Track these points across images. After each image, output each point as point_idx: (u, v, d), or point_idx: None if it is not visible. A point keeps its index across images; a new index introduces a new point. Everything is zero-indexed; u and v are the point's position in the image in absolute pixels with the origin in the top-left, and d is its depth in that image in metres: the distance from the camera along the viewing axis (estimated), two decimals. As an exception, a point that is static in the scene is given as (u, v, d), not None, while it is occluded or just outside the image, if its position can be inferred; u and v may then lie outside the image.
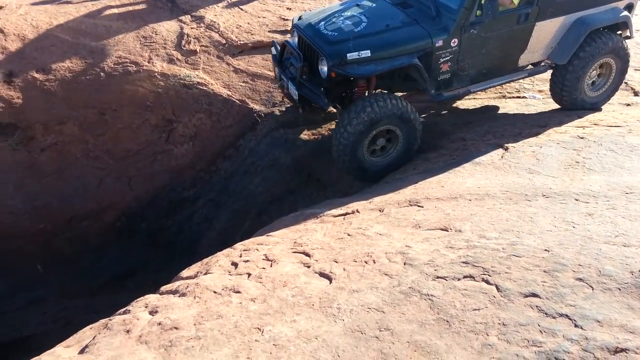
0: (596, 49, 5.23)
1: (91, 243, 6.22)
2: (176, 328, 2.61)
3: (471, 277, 2.63)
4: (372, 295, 2.63)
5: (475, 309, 2.41)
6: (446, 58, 4.94)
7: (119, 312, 3.07)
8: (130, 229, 6.34)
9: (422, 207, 3.49)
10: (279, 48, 5.48)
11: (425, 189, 3.78)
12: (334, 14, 5.27)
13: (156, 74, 6.14)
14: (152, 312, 2.85)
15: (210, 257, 3.80)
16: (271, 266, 3.22)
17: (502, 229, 3.03)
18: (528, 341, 2.16)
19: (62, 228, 6.06)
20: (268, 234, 3.93)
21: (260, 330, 2.54)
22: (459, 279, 2.63)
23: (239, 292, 2.95)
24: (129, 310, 2.99)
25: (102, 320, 2.96)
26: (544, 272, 2.56)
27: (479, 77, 5.24)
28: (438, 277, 2.65)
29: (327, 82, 4.80)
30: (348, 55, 4.66)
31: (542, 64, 5.53)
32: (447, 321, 2.37)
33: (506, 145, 4.58)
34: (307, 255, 3.26)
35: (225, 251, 3.77)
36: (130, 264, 6.34)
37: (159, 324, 2.66)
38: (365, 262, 2.94)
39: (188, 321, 2.67)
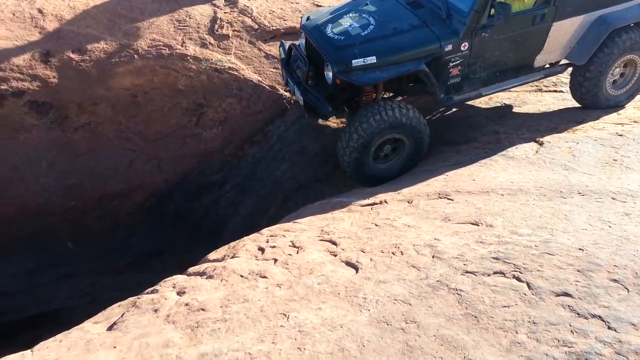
0: (617, 48, 4.95)
1: (120, 222, 6.33)
2: (203, 309, 2.64)
3: (501, 273, 2.58)
4: (399, 287, 2.60)
5: (505, 306, 2.37)
6: (456, 62, 4.74)
7: (147, 291, 3.12)
8: (158, 209, 6.42)
9: (452, 200, 3.43)
10: (286, 50, 5.34)
11: (455, 181, 3.72)
12: (343, 15, 5.09)
13: (189, 57, 6.16)
14: (180, 293, 2.89)
15: (237, 242, 3.82)
16: (297, 253, 3.22)
17: (535, 226, 2.96)
18: (558, 341, 2.11)
19: (92, 206, 6.18)
20: (295, 221, 3.93)
21: (285, 315, 2.54)
22: (488, 275, 2.58)
23: (265, 277, 2.96)
24: (157, 289, 3.04)
25: (131, 299, 3.01)
26: (578, 271, 2.49)
27: (491, 79, 5.02)
28: (467, 272, 2.61)
29: (332, 87, 4.69)
30: (353, 61, 4.50)
31: (560, 63, 5.30)
32: (475, 317, 2.33)
33: (541, 140, 4.46)
34: (334, 243, 3.25)
35: (252, 236, 3.79)
36: (157, 244, 6.44)
37: (186, 304, 2.69)
38: (393, 254, 2.91)
39: (215, 303, 2.69)
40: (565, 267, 2.52)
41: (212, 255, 3.60)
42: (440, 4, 4.74)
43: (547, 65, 5.27)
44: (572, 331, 2.14)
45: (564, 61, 5.31)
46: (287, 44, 5.44)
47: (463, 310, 2.38)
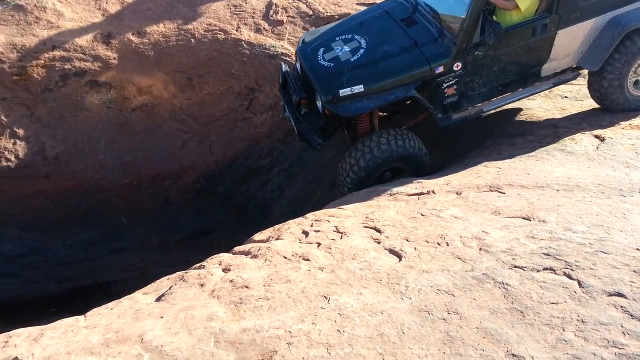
0: (634, 50, 4.56)
1: (171, 201, 6.54)
2: (247, 287, 2.69)
3: (552, 269, 2.49)
4: (442, 278, 2.56)
5: (553, 303, 2.29)
6: (450, 82, 4.49)
7: (194, 266, 3.21)
8: (208, 190, 6.59)
9: (504, 193, 3.33)
10: (282, 75, 5.15)
11: (508, 175, 3.61)
12: (335, 37, 4.89)
13: (243, 42, 6.25)
14: (225, 270, 2.96)
15: (282, 224, 3.87)
16: (341, 238, 3.23)
17: (590, 223, 2.83)
18: (608, 341, 2.02)
19: (146, 184, 6.41)
20: (340, 207, 3.94)
21: (326, 298, 2.56)
22: (538, 271, 2.50)
23: (308, 259, 2.98)
24: (204, 266, 3.12)
25: (179, 273, 3.11)
26: (633, 272, 2.37)
27: (492, 94, 4.74)
28: (515, 267, 2.54)
29: (324, 118, 4.55)
30: (341, 91, 4.32)
31: (572, 70, 4.93)
32: (521, 312, 2.26)
33: (602, 135, 4.26)
34: (378, 231, 3.23)
35: (297, 220, 3.83)
36: (205, 224, 6.62)
37: (231, 281, 2.76)
38: (438, 244, 2.86)
39: (258, 282, 2.74)
40: (621, 267, 2.40)
41: (257, 236, 3.66)
42: (433, 21, 4.50)
43: (558, 72, 4.90)
44: (623, 333, 2.04)
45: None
46: (285, 66, 5.29)
47: (509, 304, 2.32)
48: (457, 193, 3.49)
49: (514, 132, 5.01)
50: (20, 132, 5.90)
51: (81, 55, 6.03)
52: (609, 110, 4.93)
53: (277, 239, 3.42)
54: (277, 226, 3.82)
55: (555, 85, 4.93)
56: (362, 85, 4.34)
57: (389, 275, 2.67)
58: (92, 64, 6.03)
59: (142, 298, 2.82)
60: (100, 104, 6.08)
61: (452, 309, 2.33)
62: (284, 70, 5.15)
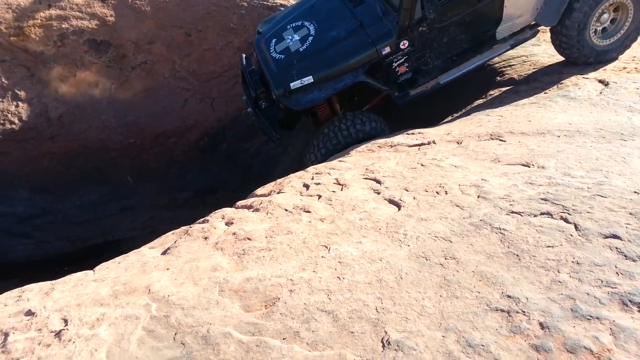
0: (590, 1, 4.34)
1: (176, 160, 6.59)
2: (249, 239, 2.75)
3: (549, 214, 2.51)
4: (440, 225, 2.60)
5: (549, 246, 2.32)
6: (400, 61, 4.39)
7: (198, 221, 3.28)
8: (212, 148, 6.63)
9: (505, 141, 3.32)
10: (241, 72, 5.06)
11: (510, 122, 3.59)
12: (287, 25, 4.77)
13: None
14: (228, 223, 3.02)
15: (283, 178, 3.91)
16: (341, 190, 3.26)
17: (589, 168, 2.84)
18: (602, 281, 2.07)
19: (150, 144, 6.45)
20: (340, 160, 3.96)
21: (326, 247, 2.62)
22: (535, 216, 2.52)
23: (309, 211, 3.03)
24: (207, 220, 3.19)
25: (183, 227, 3.18)
26: (630, 214, 2.39)
27: (448, 65, 4.61)
28: (512, 212, 2.56)
29: (281, 111, 4.51)
30: (291, 84, 4.29)
31: (530, 28, 4.75)
32: (517, 255, 2.31)
33: (607, 80, 4.19)
34: (378, 182, 3.26)
35: (298, 173, 3.86)
36: (210, 182, 6.69)
37: (234, 234, 2.82)
38: (437, 193, 2.89)
39: (260, 234, 2.80)
40: (617, 210, 2.42)
41: (259, 191, 3.71)
42: (377, 0, 4.34)
43: (516, 32, 4.72)
44: (617, 273, 2.08)
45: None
46: (244, 60, 5.17)
47: (505, 249, 2.36)
48: (457, 142, 3.49)
49: (517, 79, 4.94)
50: (22, 94, 5.91)
51: (78, 13, 5.95)
52: (577, 63, 4.78)
53: (278, 193, 3.46)
54: (278, 180, 3.86)
55: (513, 46, 4.76)
56: (311, 77, 4.31)
57: (388, 224, 2.71)
58: (90, 22, 5.95)
59: (148, 252, 2.90)
60: (99, 63, 6.04)
61: (449, 254, 2.38)
62: (243, 64, 5.06)
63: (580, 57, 4.66)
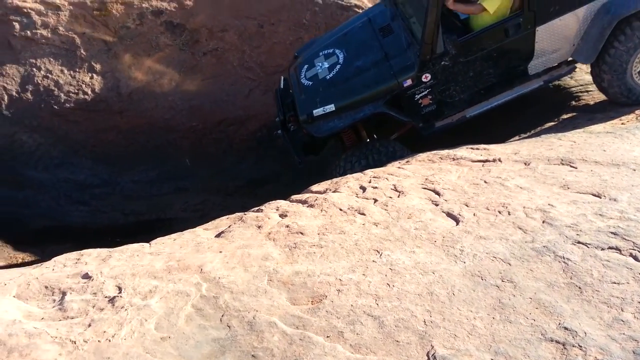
0: (635, 38, 4.04)
1: (234, 147, 6.71)
2: (301, 233, 2.75)
3: (617, 249, 2.38)
4: (500, 246, 2.51)
5: (614, 282, 2.20)
6: (423, 93, 4.30)
7: (252, 209, 3.32)
8: (269, 141, 6.70)
9: (576, 168, 3.18)
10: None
11: (583, 149, 3.43)
12: (320, 51, 4.81)
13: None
14: (282, 215, 3.04)
15: (340, 178, 3.90)
16: (398, 197, 3.21)
17: (667, 207, 2.67)
18: (672, 329, 1.93)
19: (211, 129, 6.60)
20: (400, 167, 3.90)
21: (378, 252, 2.58)
22: (602, 249, 2.40)
23: (363, 214, 3.00)
24: (262, 209, 3.22)
25: (238, 214, 3.23)
26: None
27: (475, 98, 4.45)
28: (579, 242, 2.45)
29: (306, 136, 4.56)
30: (314, 112, 4.33)
31: (567, 64, 4.48)
32: (580, 288, 2.20)
33: (692, 118, 3.94)
34: (437, 193, 3.19)
35: (355, 175, 3.84)
36: (263, 173, 6.76)
37: (287, 226, 2.83)
38: (499, 212, 2.80)
39: (313, 230, 2.80)
40: (696, 255, 2.26)
41: (315, 187, 3.71)
42: (406, 30, 4.28)
43: (551, 67, 4.49)
44: (690, 321, 1.95)
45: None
46: (282, 82, 5.23)
47: (567, 279, 2.25)
48: (525, 163, 3.37)
49: (593, 106, 4.72)
50: (98, 67, 6.18)
51: (159, -5, 6.17)
52: (618, 103, 4.50)
53: (334, 191, 3.45)
54: (335, 179, 3.86)
55: (547, 82, 4.53)
56: (333, 105, 4.36)
57: (444, 237, 2.65)
58: (169, 4, 6.15)
59: (202, 233, 2.96)
60: (173, 45, 6.24)
61: (506, 277, 2.29)
62: (280, 87, 5.17)
63: (622, 98, 4.42)
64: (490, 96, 4.48)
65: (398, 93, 4.35)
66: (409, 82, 4.29)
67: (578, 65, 4.62)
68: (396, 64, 4.35)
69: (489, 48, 4.23)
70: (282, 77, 5.31)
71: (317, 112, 4.39)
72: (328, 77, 4.56)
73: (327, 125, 4.41)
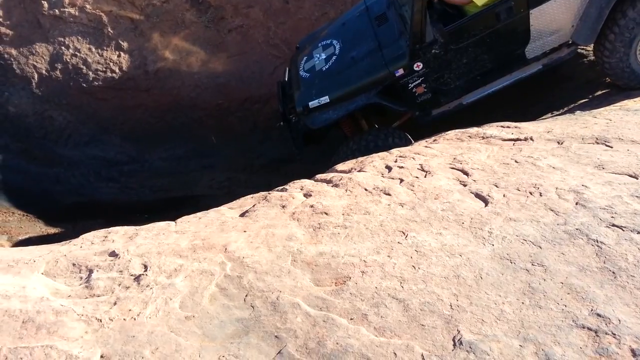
0: (635, 18, 3.80)
1: (259, 126, 6.69)
2: (326, 214, 2.73)
3: (655, 233, 2.28)
4: (530, 228, 2.44)
5: (651, 268, 2.11)
6: (417, 82, 4.22)
7: (277, 189, 3.30)
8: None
9: (611, 147, 3.05)
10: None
11: (619, 128, 3.28)
12: (319, 42, 4.78)
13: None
14: (307, 195, 3.01)
15: (365, 157, 3.84)
16: (425, 177, 3.15)
17: None
18: None
19: (236, 107, 6.58)
20: (427, 145, 3.82)
21: (404, 234, 2.54)
22: (638, 232, 2.30)
23: (389, 194, 2.95)
24: (286, 189, 3.20)
25: (262, 193, 3.21)
26: None
27: (472, 85, 4.33)
28: (614, 225, 2.35)
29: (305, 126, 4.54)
30: (310, 103, 4.34)
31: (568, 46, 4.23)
32: (614, 272, 2.11)
33: None
34: (466, 173, 3.11)
35: (381, 154, 3.78)
36: (288, 151, 6.73)
37: (311, 206, 2.80)
38: (530, 193, 2.71)
39: (337, 210, 2.77)
40: None
41: (340, 167, 3.67)
42: (398, 19, 4.19)
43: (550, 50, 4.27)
44: None
45: None
46: (287, 75, 5.17)
47: (600, 263, 2.17)
48: (558, 142, 3.25)
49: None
50: (125, 45, 6.20)
51: (184, -29, 6.12)
52: (623, 86, 4.29)
53: (359, 171, 3.40)
54: (360, 158, 3.80)
55: (547, 66, 4.34)
56: (327, 97, 4.36)
57: (472, 219, 2.58)
58: (194, -20, 6.10)
59: (227, 212, 2.96)
60: (199, 23, 6.20)
61: (537, 260, 2.22)
62: (284, 79, 5.14)
63: (627, 82, 4.23)
64: (487, 82, 4.40)
65: (391, 82, 4.34)
66: (400, 71, 4.27)
67: None
68: (388, 53, 4.33)
69: (481, 34, 4.13)
70: (287, 68, 5.32)
71: (313, 103, 4.43)
72: (324, 68, 4.59)
73: (321, 116, 4.44)
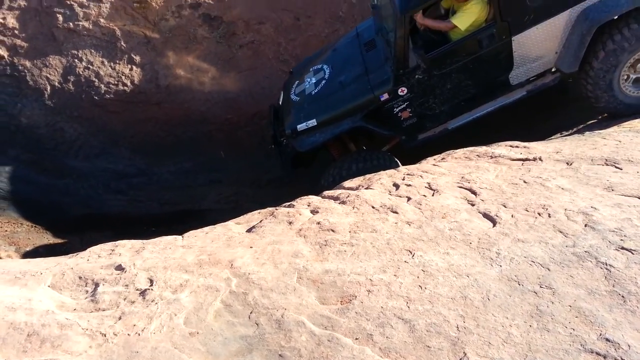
0: (621, 46, 3.80)
1: (267, 140, 6.71)
2: (333, 231, 2.72)
3: (665, 257, 2.25)
4: (539, 249, 2.41)
5: (662, 293, 2.08)
6: (402, 106, 4.28)
7: (284, 204, 3.30)
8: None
9: (621, 169, 3.02)
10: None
11: (629, 149, 3.26)
12: (310, 67, 4.89)
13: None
14: (313, 212, 3.01)
15: (373, 174, 3.84)
16: (432, 195, 3.14)
17: None
18: None
19: (245, 122, 6.62)
20: (435, 164, 3.81)
21: (411, 253, 2.52)
22: (649, 257, 2.27)
23: (396, 212, 2.94)
24: (293, 205, 3.20)
25: (269, 208, 3.22)
26: None
27: (457, 110, 4.36)
28: (623, 248, 2.32)
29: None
30: (298, 126, 4.42)
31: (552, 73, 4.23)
32: (623, 297, 2.09)
33: None
34: (474, 192, 3.09)
35: (389, 171, 3.78)
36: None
37: (318, 223, 2.80)
38: (539, 214, 2.69)
39: (344, 227, 2.76)
40: None
41: (347, 183, 3.67)
42: (385, 45, 4.26)
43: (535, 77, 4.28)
44: None
45: None
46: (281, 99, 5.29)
47: (609, 287, 2.14)
48: (567, 163, 3.23)
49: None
50: (137, 59, 6.27)
51: (197, -13, 6.21)
52: (606, 113, 4.29)
53: (366, 188, 3.40)
54: (367, 176, 3.80)
55: (531, 92, 4.32)
56: (314, 120, 4.43)
57: (480, 239, 2.57)
58: (207, -3, 6.18)
59: (234, 227, 2.96)
60: (210, 38, 6.28)
61: (545, 282, 2.20)
62: (279, 101, 5.24)
63: (610, 109, 4.21)
64: (472, 107, 4.42)
65: (377, 107, 4.38)
66: (385, 95, 4.32)
67: None
68: (374, 78, 4.40)
69: (464, 60, 4.16)
70: (282, 92, 5.43)
71: (301, 126, 4.50)
72: (314, 92, 4.67)
73: (309, 139, 4.51)
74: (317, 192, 3.66)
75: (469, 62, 4.17)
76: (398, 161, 4.48)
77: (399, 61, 4.12)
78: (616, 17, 3.86)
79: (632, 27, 3.84)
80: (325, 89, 4.62)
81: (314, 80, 4.77)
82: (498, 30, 4.01)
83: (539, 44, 4.13)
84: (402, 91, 4.29)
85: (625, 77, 4.07)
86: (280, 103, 5.20)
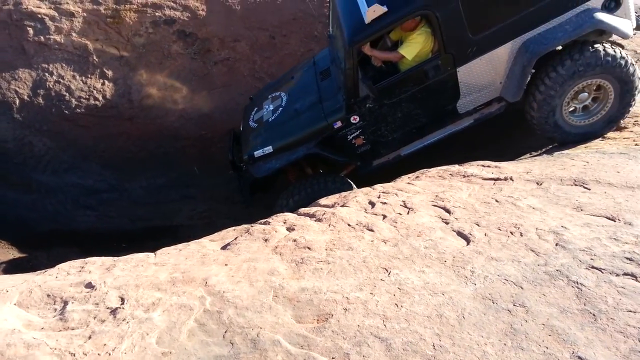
0: (561, 77, 3.95)
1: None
2: (309, 248, 2.71)
3: (633, 276, 2.31)
4: (512, 268, 2.45)
5: (630, 311, 2.13)
6: (355, 134, 4.42)
7: (259, 221, 3.27)
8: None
9: (589, 189, 3.12)
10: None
11: (596, 170, 3.36)
12: (269, 94, 5.05)
13: (328, 3, 6.17)
14: (289, 229, 2.99)
15: (349, 192, 3.86)
16: (408, 213, 3.16)
17: (684, 233, 2.60)
18: (691, 362, 1.86)
19: (219, 138, 6.57)
20: (409, 182, 3.85)
21: (387, 271, 2.53)
22: (617, 275, 2.33)
23: (372, 230, 2.96)
24: (269, 222, 3.17)
25: (245, 225, 3.18)
26: None
27: (409, 138, 4.51)
28: (593, 267, 2.38)
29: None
30: (255, 153, 4.52)
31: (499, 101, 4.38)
32: (594, 315, 2.13)
33: None
34: (448, 211, 3.14)
35: (365, 189, 3.80)
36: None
37: (294, 240, 2.79)
38: (511, 233, 2.74)
39: (320, 245, 2.76)
40: None
41: (323, 201, 3.67)
42: (338, 73, 4.41)
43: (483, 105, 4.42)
44: None
45: None
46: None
47: (581, 305, 2.18)
48: (537, 183, 3.31)
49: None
50: (110, 73, 6.19)
51: (172, 3, 6.20)
52: (551, 140, 4.43)
53: (342, 206, 3.41)
54: (344, 193, 3.82)
55: (478, 121, 4.44)
56: (270, 147, 4.53)
57: (454, 257, 2.59)
58: (182, 13, 6.18)
59: (208, 244, 2.92)
60: (185, 54, 6.25)
61: (518, 301, 2.23)
62: (241, 128, 5.31)
63: (553, 136, 4.34)
64: (423, 135, 4.52)
65: (331, 134, 4.47)
66: (338, 123, 4.41)
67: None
68: (327, 106, 4.50)
69: (413, 90, 4.27)
70: (243, 118, 5.52)
71: (258, 153, 4.58)
72: (270, 119, 4.76)
73: (265, 166, 4.58)
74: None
75: (417, 91, 4.27)
76: (352, 184, 4.55)
77: (350, 91, 4.23)
78: (558, 49, 3.97)
79: (575, 58, 3.93)
80: (281, 116, 4.73)
81: (271, 108, 4.88)
82: (443, 61, 4.11)
83: (484, 74, 4.22)
84: (355, 119, 4.39)
85: (570, 107, 4.16)
86: (241, 128, 5.27)
